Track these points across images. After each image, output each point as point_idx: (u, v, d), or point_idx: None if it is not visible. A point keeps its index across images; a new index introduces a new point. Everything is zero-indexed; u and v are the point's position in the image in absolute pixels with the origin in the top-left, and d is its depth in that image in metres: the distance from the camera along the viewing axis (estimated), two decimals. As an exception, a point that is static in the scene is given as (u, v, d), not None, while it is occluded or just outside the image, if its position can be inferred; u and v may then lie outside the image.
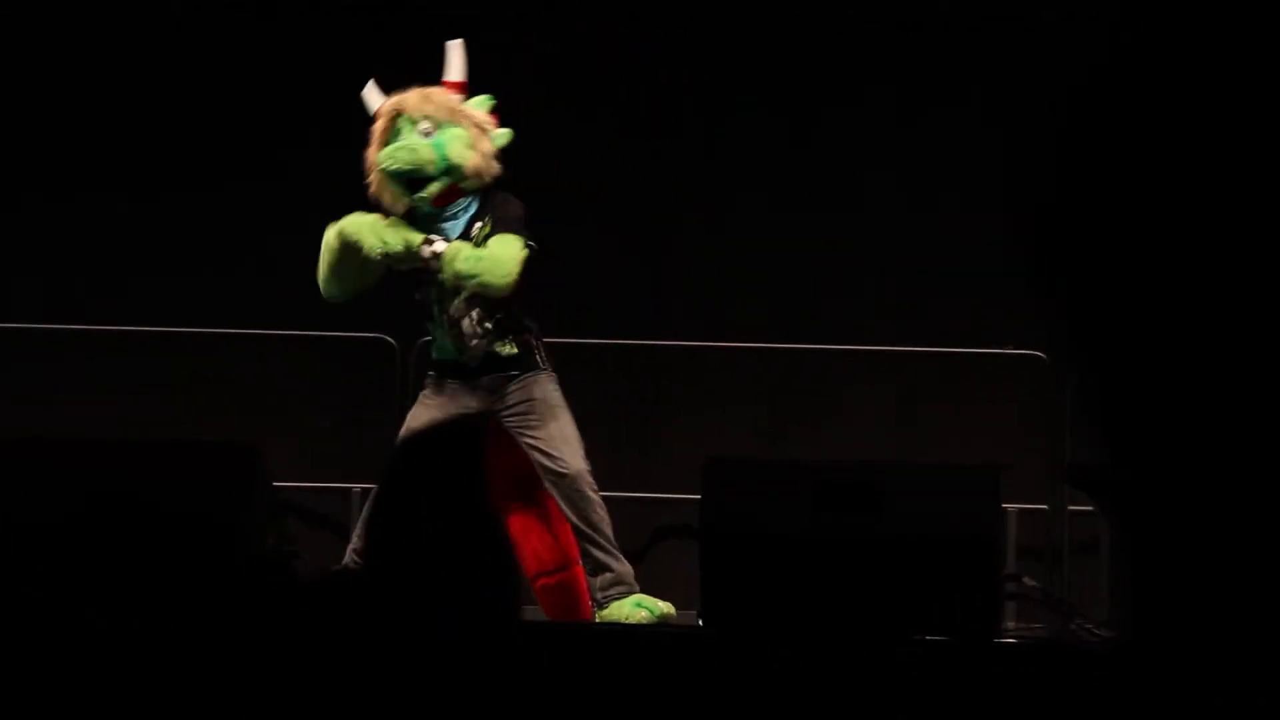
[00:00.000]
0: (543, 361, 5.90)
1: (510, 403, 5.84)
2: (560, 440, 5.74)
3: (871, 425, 8.08)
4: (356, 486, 7.81)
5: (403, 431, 5.75)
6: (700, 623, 4.97)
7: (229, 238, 8.28)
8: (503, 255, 5.72)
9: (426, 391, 5.93)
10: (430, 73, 5.94)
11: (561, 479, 5.71)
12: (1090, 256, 2.34)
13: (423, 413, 5.83)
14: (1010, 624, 5.60)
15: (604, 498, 7.83)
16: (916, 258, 8.16)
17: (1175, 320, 2.33)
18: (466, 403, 5.81)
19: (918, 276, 8.15)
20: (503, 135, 5.91)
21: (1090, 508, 7.04)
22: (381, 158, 5.76)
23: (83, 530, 4.43)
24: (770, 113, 8.30)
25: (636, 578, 5.90)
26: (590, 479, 5.70)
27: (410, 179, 5.78)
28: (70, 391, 8.04)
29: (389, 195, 5.83)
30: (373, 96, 5.93)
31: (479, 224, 5.87)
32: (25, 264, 8.35)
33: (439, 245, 5.78)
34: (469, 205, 5.86)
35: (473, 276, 5.72)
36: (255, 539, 4.70)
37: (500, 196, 5.89)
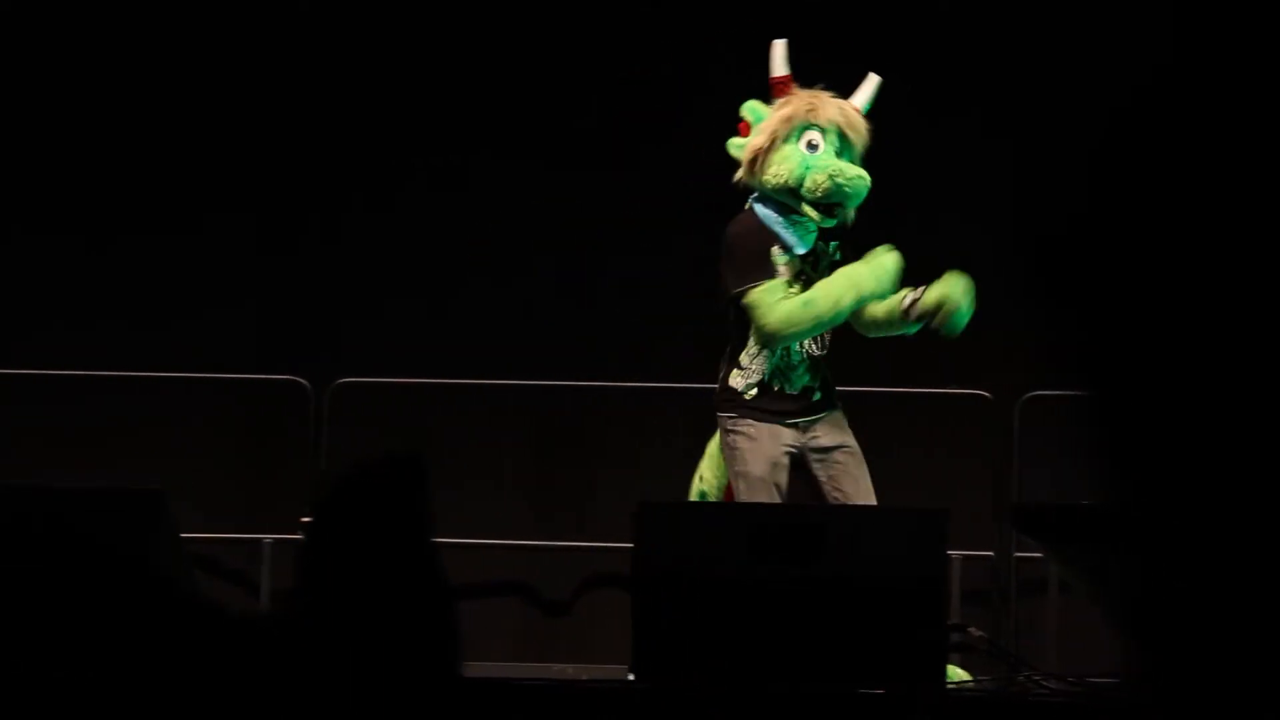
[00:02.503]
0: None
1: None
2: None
3: (805, 468, 7.90)
4: (268, 538, 7.59)
5: None
6: (631, 676, 4.80)
7: (136, 281, 8.08)
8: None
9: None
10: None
11: None
12: (1107, 286, 2.13)
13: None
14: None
15: (533, 546, 7.65)
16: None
17: (1199, 352, 2.14)
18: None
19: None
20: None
21: (1038, 553, 6.88)
22: (840, 171, 5.56)
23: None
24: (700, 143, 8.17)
25: (565, 629, 5.69)
26: None
27: (837, 204, 5.60)
28: None
29: (785, 191, 5.60)
30: (780, 57, 5.73)
31: (821, 243, 5.68)
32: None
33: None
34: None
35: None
36: (161, 590, 4.49)
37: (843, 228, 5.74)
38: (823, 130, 5.60)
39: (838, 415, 5.73)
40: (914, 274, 7.82)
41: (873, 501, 5.64)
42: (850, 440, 5.69)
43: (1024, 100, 7.85)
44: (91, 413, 8.00)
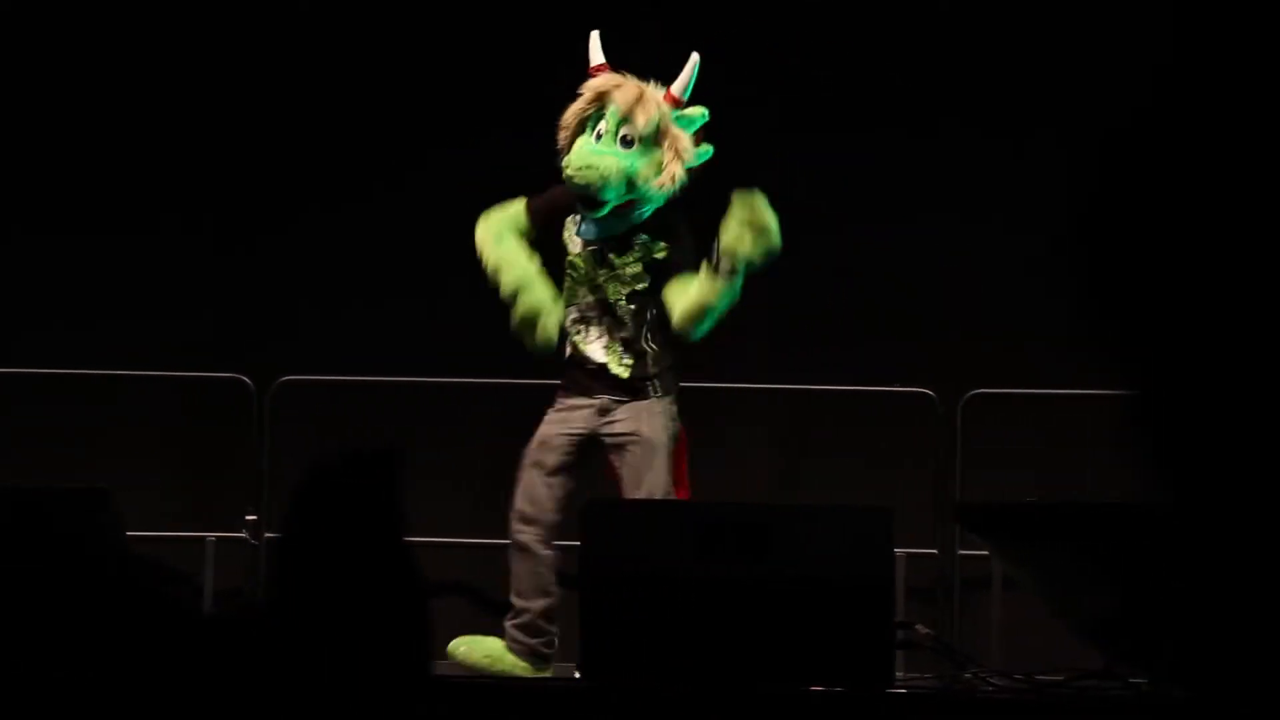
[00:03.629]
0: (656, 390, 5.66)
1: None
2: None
3: (754, 466, 7.92)
4: (211, 535, 7.54)
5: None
6: (578, 674, 4.78)
7: (80, 279, 8.01)
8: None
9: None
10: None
11: None
12: (1149, 285, 2.13)
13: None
14: (901, 673, 5.43)
15: (478, 545, 7.61)
16: (803, 292, 8.01)
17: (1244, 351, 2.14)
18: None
19: (804, 312, 8.00)
20: (703, 153, 5.68)
21: (983, 550, 6.89)
22: (571, 164, 5.52)
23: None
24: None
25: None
26: None
27: (587, 197, 5.54)
28: None
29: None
30: (595, 48, 5.69)
31: (643, 237, 5.63)
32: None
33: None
34: (638, 212, 5.63)
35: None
36: (107, 589, 4.45)
37: (679, 224, 5.67)
38: (605, 118, 5.58)
39: (644, 404, 5.66)
40: (802, 297, 7.87)
41: (659, 494, 5.57)
42: (646, 431, 5.63)
43: (1040, 100, 7.86)
44: (35, 411, 7.93)
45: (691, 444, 8.00)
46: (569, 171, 5.51)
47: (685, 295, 5.57)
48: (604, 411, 5.65)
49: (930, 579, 7.53)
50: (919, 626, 5.40)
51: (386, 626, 3.07)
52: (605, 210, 5.57)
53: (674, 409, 5.72)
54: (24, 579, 4.14)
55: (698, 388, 7.94)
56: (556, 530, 5.64)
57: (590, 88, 5.61)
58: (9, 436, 7.89)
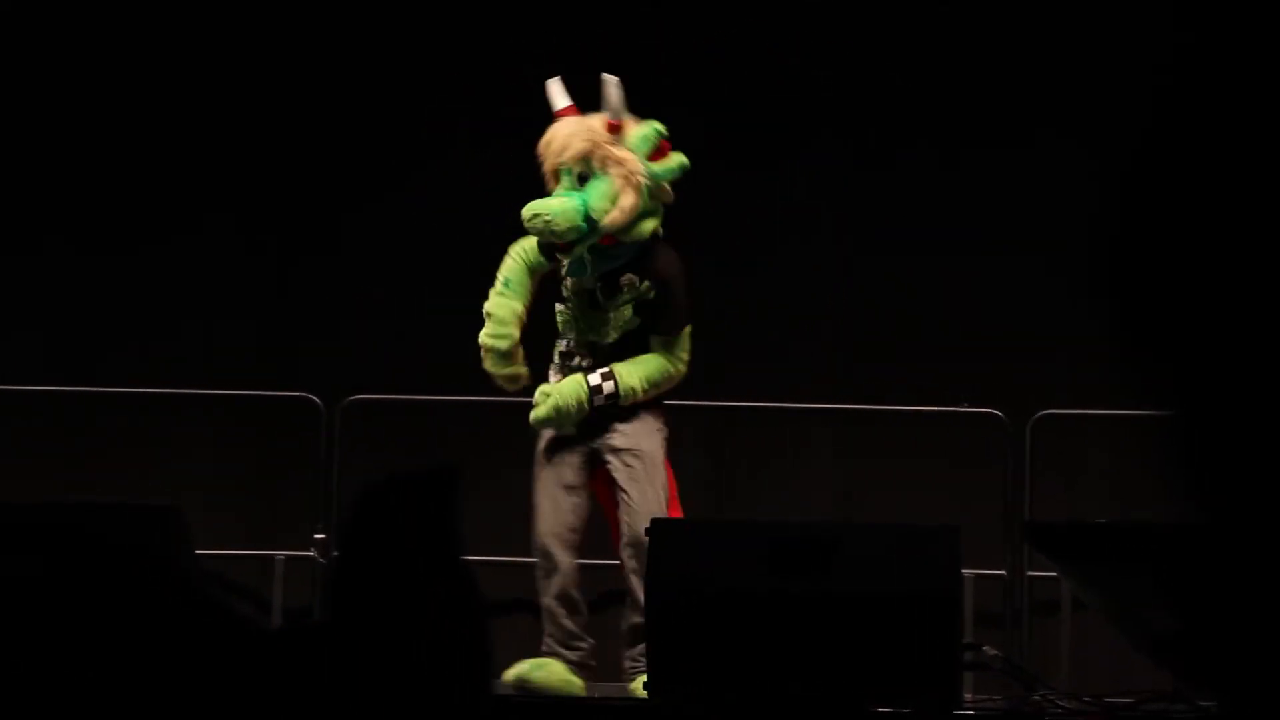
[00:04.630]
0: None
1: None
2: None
3: (821, 485, 7.90)
4: (280, 554, 7.56)
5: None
6: (645, 692, 4.77)
7: (151, 297, 8.05)
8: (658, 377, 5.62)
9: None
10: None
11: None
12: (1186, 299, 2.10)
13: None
14: (969, 695, 5.40)
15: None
16: (870, 311, 8.00)
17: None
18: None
19: (872, 331, 7.98)
20: (673, 165, 5.63)
21: (1052, 573, 6.84)
22: (526, 215, 5.53)
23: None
24: (701, 157, 8.15)
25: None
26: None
27: (551, 244, 5.58)
28: None
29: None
30: (556, 93, 5.68)
31: (631, 277, 5.62)
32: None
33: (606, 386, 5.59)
34: (626, 251, 5.61)
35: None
36: (176, 606, 4.47)
37: (663, 254, 5.65)
38: (562, 171, 5.59)
39: (638, 422, 5.65)
40: (871, 317, 7.84)
41: (659, 508, 5.55)
42: (646, 445, 5.62)
43: (1073, 113, 7.83)
44: (106, 429, 7.97)
45: (762, 461, 8.02)
46: (526, 219, 5.53)
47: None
48: (599, 429, 5.62)
49: (999, 600, 7.48)
50: (987, 647, 5.36)
51: (446, 645, 3.06)
52: (579, 252, 5.56)
53: (666, 429, 5.70)
54: (94, 596, 4.16)
55: (767, 407, 7.96)
56: (580, 546, 5.65)
57: (546, 157, 5.60)
58: (81, 453, 7.93)
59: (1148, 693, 4.92)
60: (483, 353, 5.69)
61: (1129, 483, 7.42)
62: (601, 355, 5.61)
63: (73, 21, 8.19)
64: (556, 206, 5.49)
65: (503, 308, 5.68)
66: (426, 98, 8.11)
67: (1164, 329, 2.15)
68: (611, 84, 5.57)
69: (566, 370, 5.65)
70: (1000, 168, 7.94)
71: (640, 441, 5.61)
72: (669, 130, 5.68)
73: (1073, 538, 4.97)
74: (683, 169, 5.63)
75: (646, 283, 5.62)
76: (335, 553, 3.29)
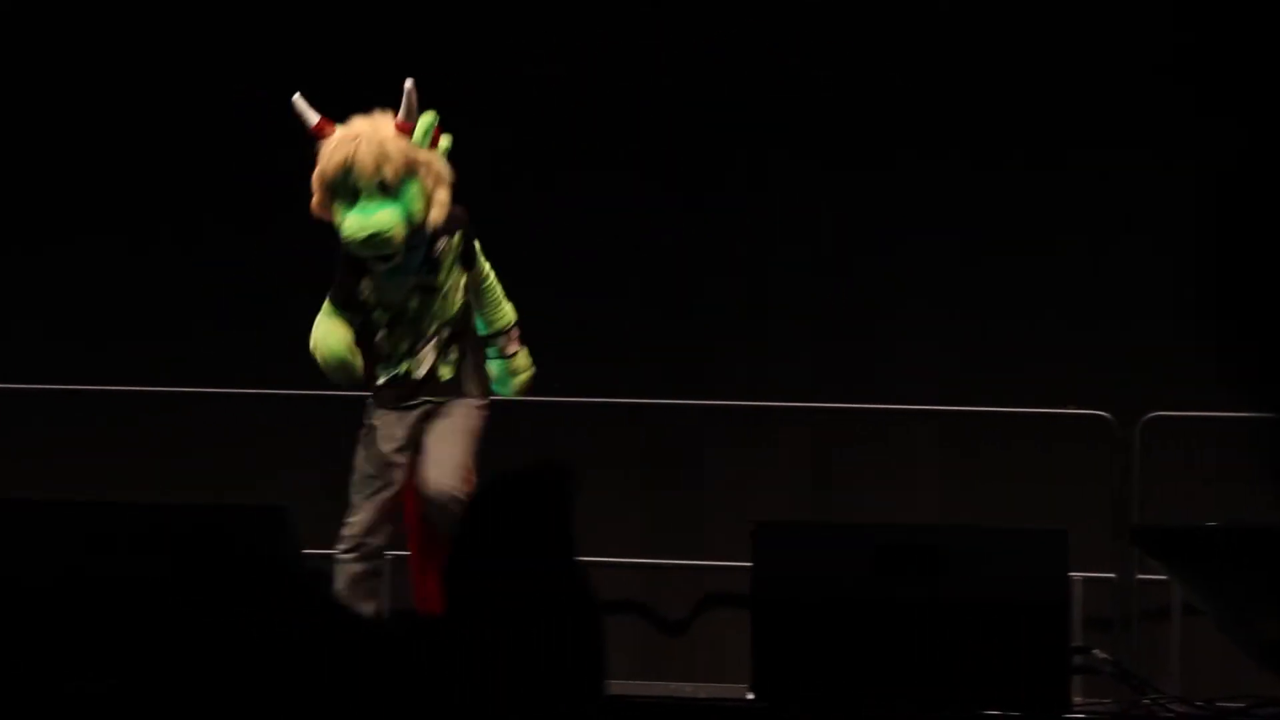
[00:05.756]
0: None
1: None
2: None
3: (927, 488, 7.88)
4: (389, 553, 7.60)
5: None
6: (750, 695, 4.77)
7: (250, 295, 8.13)
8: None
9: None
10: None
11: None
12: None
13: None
14: (1078, 698, 5.36)
15: (650, 566, 7.64)
16: (979, 314, 7.98)
17: None
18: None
19: (980, 333, 7.96)
20: (445, 145, 5.74)
21: (1162, 576, 6.79)
22: (353, 238, 5.57)
23: (111, 594, 4.26)
24: (814, 161, 8.15)
25: (682, 649, 5.69)
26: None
27: (383, 258, 5.63)
28: (155, 450, 7.93)
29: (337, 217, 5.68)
30: (306, 109, 5.73)
31: (443, 240, 5.71)
32: (64, 324, 8.23)
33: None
34: (421, 232, 5.70)
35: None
36: (285, 605, 4.52)
37: (453, 210, 5.74)
38: (352, 178, 5.57)
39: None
40: (975, 320, 7.81)
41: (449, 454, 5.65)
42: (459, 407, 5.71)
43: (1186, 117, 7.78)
44: (216, 430, 8.06)
45: (867, 464, 8.00)
46: (354, 246, 5.56)
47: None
48: (428, 415, 5.70)
49: (1108, 604, 7.44)
50: (1096, 651, 5.33)
51: (560, 645, 3.07)
52: (399, 255, 5.60)
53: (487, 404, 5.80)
54: (206, 594, 4.21)
55: (874, 409, 7.94)
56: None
57: (330, 158, 5.60)
58: (193, 455, 8.02)
59: (1260, 698, 4.87)
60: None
61: (1238, 485, 7.36)
62: (445, 331, 5.69)
63: (81, 23, 8.30)
64: (387, 219, 5.55)
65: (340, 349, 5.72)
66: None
67: (1273, 331, 2.13)
68: (410, 89, 5.63)
69: (415, 362, 5.68)
70: (1110, 169, 7.90)
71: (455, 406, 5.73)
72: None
73: (1183, 541, 4.93)
74: (450, 147, 5.72)
75: (458, 233, 5.70)
76: (453, 545, 3.31)
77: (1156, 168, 7.83)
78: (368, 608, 5.63)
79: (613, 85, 8.20)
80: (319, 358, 5.70)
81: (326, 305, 5.73)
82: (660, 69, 8.18)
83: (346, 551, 5.71)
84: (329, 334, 5.69)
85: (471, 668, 3.01)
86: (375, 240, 5.55)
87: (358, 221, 5.55)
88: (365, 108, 5.70)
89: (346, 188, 5.59)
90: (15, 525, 4.57)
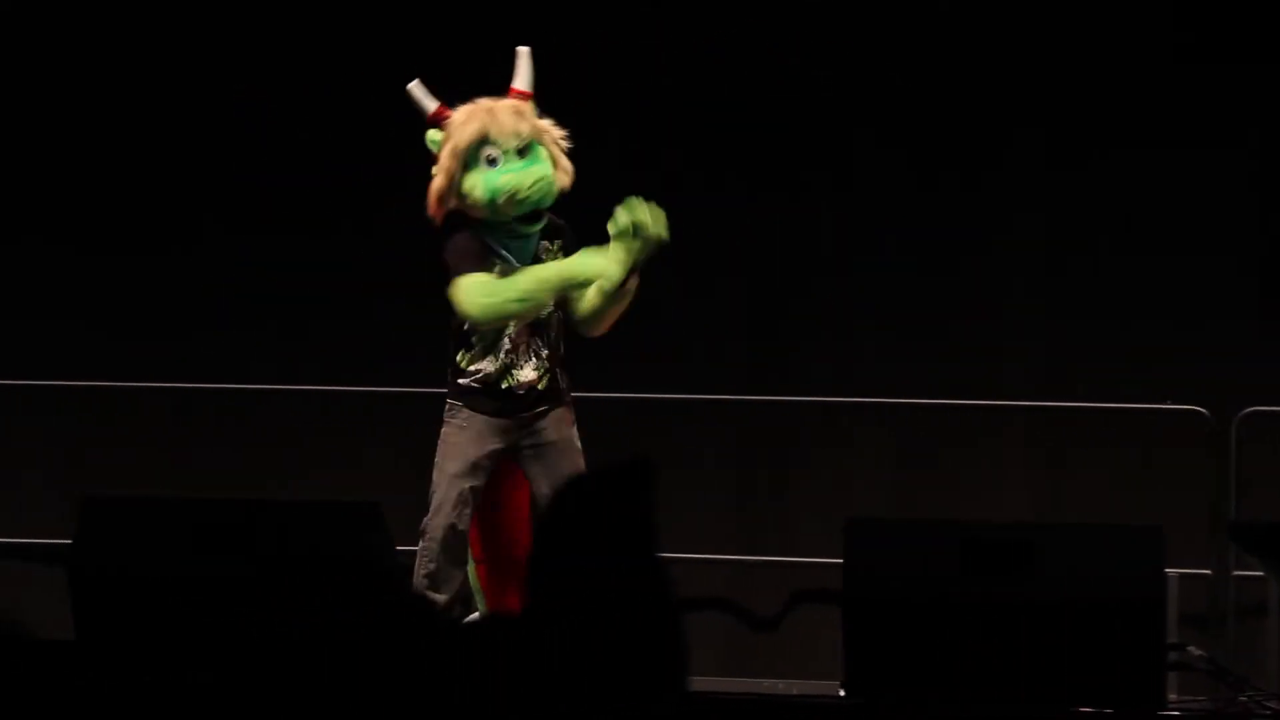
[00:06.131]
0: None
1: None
2: None
3: (1020, 484, 7.84)
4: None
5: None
6: (842, 692, 4.75)
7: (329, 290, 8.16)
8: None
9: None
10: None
11: None
12: None
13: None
14: (1174, 696, 5.32)
15: (738, 561, 7.63)
16: (1074, 309, 7.94)
17: None
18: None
19: (1075, 329, 7.91)
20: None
21: (1259, 572, 6.72)
22: (510, 186, 5.55)
23: (202, 590, 4.28)
24: (905, 157, 8.12)
25: (771, 645, 5.67)
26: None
27: (536, 213, 5.64)
28: (248, 447, 8.02)
29: (486, 213, 5.61)
30: (424, 95, 5.74)
31: (545, 243, 5.71)
32: (163, 325, 8.28)
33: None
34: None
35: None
36: (377, 602, 4.53)
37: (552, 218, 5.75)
38: (491, 145, 5.57)
39: (561, 411, 5.68)
40: (1068, 314, 7.77)
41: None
42: (566, 435, 5.66)
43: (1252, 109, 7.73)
44: (309, 428, 8.10)
45: (955, 463, 7.96)
46: (523, 194, 5.53)
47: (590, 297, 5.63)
48: (523, 426, 5.64)
49: (1204, 600, 7.37)
50: (1192, 648, 5.29)
51: (642, 642, 3.06)
52: (546, 219, 5.63)
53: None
54: (297, 592, 4.23)
55: (965, 405, 7.90)
56: None
57: (463, 129, 5.59)
58: (288, 453, 8.06)
59: (1359, 696, 4.81)
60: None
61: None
62: (547, 330, 5.66)
63: (81, 22, 8.33)
64: (542, 172, 5.57)
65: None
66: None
67: None
68: (524, 54, 5.67)
69: (517, 359, 5.62)
70: (1199, 165, 7.85)
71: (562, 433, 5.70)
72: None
73: (1280, 537, 4.89)
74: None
75: (557, 242, 5.69)
76: (533, 542, 3.30)
77: (1257, 159, 7.79)
78: (451, 604, 5.64)
79: (703, 82, 8.19)
80: (494, 301, 5.56)
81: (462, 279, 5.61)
82: (750, 69, 8.17)
83: (428, 548, 5.71)
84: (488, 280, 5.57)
85: (552, 665, 3.00)
86: (539, 186, 5.55)
87: (515, 177, 5.56)
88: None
89: (482, 157, 5.59)
90: (117, 521, 4.60)
